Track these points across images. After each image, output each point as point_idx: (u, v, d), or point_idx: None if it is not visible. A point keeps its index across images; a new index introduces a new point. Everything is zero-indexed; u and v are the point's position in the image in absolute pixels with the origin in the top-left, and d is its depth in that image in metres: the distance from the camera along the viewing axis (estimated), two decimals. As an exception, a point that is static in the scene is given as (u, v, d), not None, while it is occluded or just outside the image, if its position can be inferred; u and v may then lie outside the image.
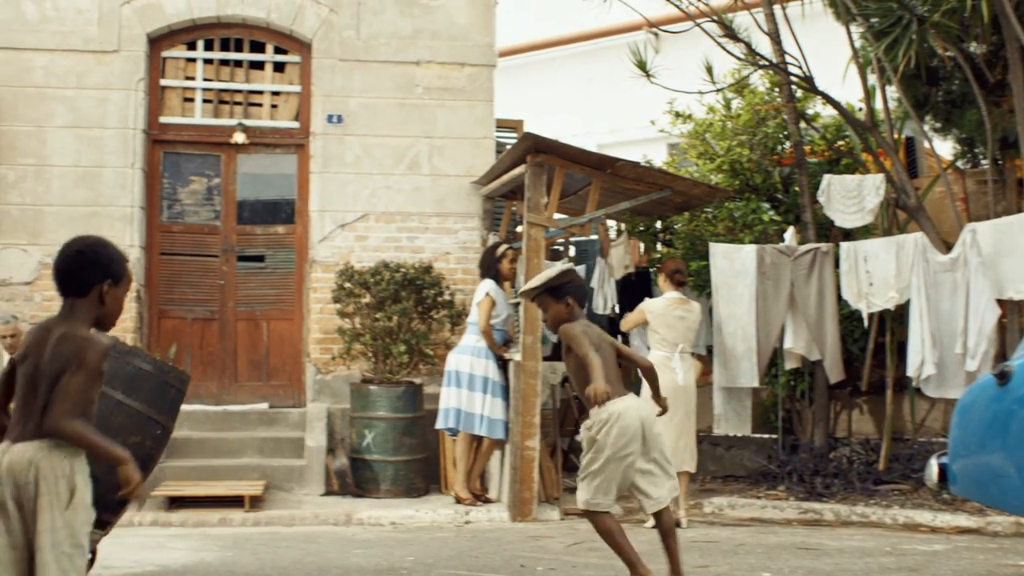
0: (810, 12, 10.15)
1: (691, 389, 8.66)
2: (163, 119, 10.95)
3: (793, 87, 10.41)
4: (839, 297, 9.56)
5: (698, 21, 9.81)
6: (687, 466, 8.57)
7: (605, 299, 10.68)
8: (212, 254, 11.00)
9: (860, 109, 10.41)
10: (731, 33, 9.70)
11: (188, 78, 11.05)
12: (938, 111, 10.42)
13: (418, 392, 9.87)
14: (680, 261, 8.97)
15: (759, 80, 11.20)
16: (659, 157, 13.41)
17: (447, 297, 10.32)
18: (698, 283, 10.36)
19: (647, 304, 8.85)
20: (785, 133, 10.76)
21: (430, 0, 11.14)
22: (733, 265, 9.67)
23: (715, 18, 9.79)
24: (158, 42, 10.92)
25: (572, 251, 12.16)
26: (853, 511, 8.78)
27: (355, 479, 9.72)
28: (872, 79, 10.17)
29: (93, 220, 10.28)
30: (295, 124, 11.11)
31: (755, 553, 7.32)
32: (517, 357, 9.02)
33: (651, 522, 8.35)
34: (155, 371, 5.78)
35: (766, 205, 10.67)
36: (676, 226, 11.52)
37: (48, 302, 10.17)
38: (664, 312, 8.66)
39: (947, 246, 9.15)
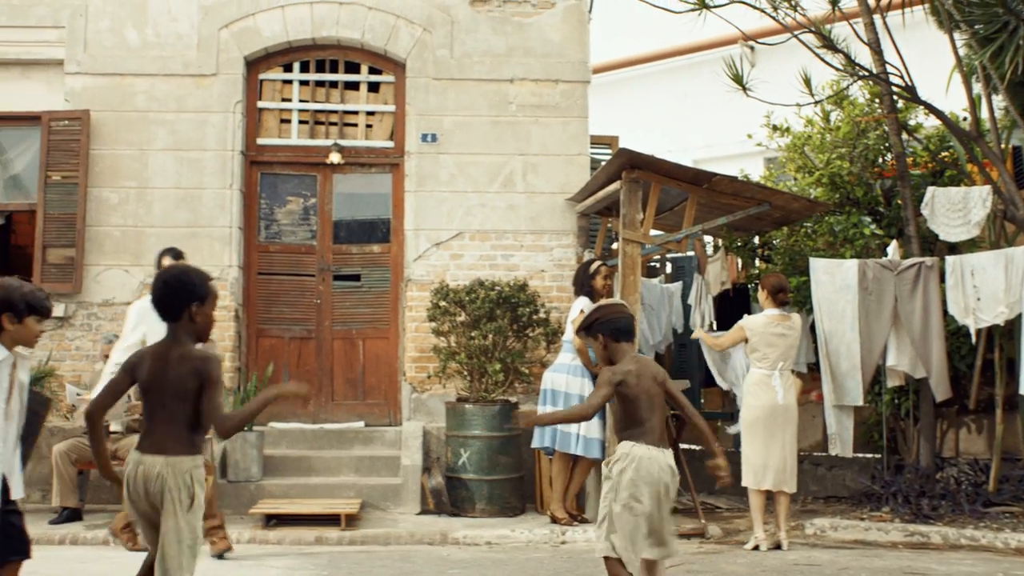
0: (911, 21, 9.95)
1: (792, 408, 8.44)
2: (260, 140, 11.12)
3: (895, 97, 10.18)
4: (945, 313, 9.26)
5: (795, 33, 9.65)
6: (787, 487, 8.38)
7: (703, 316, 10.50)
8: (309, 273, 11.12)
9: (965, 119, 10.16)
10: (830, 44, 9.50)
11: (284, 99, 11.22)
12: (1047, 119, 10.11)
13: (513, 410, 9.83)
14: (782, 277, 8.72)
15: (859, 91, 11.01)
16: (756, 171, 13.26)
17: (542, 315, 10.28)
18: (798, 299, 10.16)
19: (746, 321, 8.68)
20: (886, 145, 10.53)
21: (523, 18, 11.16)
22: (834, 280, 9.44)
23: (813, 29, 9.60)
24: (255, 64, 11.10)
25: (669, 268, 12.01)
26: (962, 534, 8.48)
27: (451, 498, 9.69)
28: (977, 88, 9.91)
29: (193, 241, 10.46)
30: (390, 143, 11.19)
31: (860, 577, 7.11)
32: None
33: (752, 543, 8.24)
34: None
35: (867, 219, 10.48)
36: (774, 241, 11.36)
37: (149, 322, 10.32)
38: (764, 330, 8.48)
39: (1059, 259, 8.84)
